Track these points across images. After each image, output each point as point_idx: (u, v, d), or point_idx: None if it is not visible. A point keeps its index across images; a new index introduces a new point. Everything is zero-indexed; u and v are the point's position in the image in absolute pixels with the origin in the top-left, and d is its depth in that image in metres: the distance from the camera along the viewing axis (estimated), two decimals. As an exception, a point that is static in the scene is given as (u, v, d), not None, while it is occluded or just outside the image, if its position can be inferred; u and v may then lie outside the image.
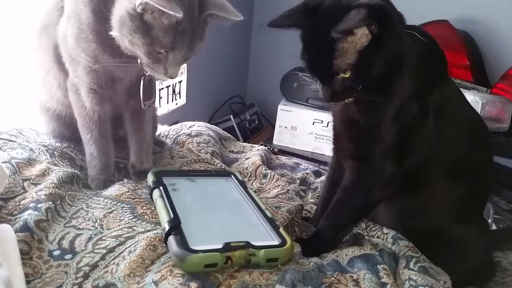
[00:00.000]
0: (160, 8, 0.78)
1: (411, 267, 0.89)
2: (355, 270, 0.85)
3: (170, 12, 0.78)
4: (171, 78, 0.92)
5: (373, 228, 1.06)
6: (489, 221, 1.51)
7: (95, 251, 0.77)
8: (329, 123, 1.88)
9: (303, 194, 1.25)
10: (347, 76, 0.82)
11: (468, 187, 0.99)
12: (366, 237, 1.02)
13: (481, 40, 2.13)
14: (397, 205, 1.01)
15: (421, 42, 0.91)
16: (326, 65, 0.82)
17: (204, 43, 0.92)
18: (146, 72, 0.96)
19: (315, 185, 1.31)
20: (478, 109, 1.75)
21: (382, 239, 1.01)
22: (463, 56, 1.98)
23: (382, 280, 0.83)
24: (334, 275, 0.82)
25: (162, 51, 0.87)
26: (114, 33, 0.88)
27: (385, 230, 1.03)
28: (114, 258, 0.75)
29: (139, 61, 0.92)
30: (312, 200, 1.22)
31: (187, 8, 0.83)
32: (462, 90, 1.81)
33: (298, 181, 1.32)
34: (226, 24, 0.90)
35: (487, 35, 2.14)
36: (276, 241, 0.85)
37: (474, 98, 1.76)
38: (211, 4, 0.88)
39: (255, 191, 1.09)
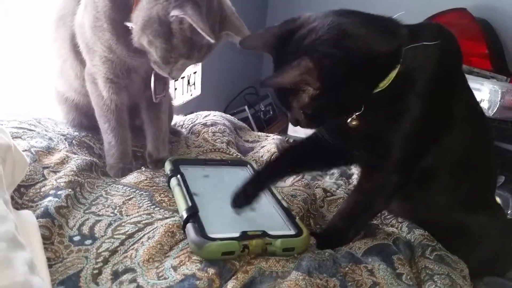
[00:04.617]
0: (200, 31, 0.81)
1: (427, 255, 0.89)
2: (370, 260, 0.84)
3: (206, 37, 0.82)
4: (173, 79, 0.97)
5: (388, 217, 1.05)
6: (509, 212, 1.50)
7: (115, 236, 0.78)
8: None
9: (319, 178, 1.25)
10: (306, 111, 0.78)
11: (478, 176, 0.97)
12: (380, 226, 1.01)
13: (500, 28, 2.08)
14: (410, 198, 0.99)
15: (431, 54, 0.80)
16: (285, 97, 0.78)
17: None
18: None
19: (331, 171, 1.31)
20: (498, 98, 1.73)
21: (397, 228, 1.01)
22: (482, 45, 1.94)
23: (398, 270, 0.82)
24: (349, 266, 0.82)
25: (175, 56, 0.90)
26: (130, 24, 0.89)
27: (399, 218, 1.03)
28: (133, 244, 0.77)
29: (148, 55, 0.94)
30: (331, 181, 1.22)
31: (212, 27, 0.87)
32: (481, 79, 1.81)
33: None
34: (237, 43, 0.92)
35: (506, 23, 2.09)
36: (292, 231, 0.85)
37: (493, 87, 1.73)
38: (231, 25, 0.93)
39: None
